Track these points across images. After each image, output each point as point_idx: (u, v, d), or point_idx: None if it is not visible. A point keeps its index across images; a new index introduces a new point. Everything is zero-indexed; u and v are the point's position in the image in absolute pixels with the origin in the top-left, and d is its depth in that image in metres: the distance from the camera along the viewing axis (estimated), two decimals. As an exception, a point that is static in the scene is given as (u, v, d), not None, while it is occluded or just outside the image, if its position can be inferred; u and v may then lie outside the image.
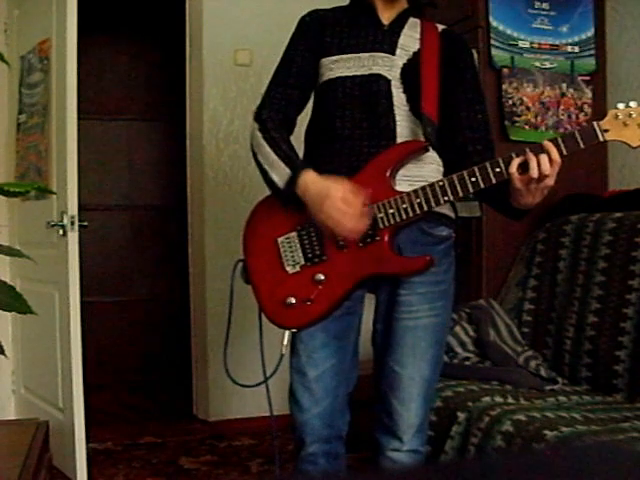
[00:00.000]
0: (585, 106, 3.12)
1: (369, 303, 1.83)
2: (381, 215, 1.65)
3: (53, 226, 2.77)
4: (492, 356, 2.67)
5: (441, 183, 1.62)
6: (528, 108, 3.05)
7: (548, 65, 3.10)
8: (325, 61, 1.76)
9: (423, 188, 1.63)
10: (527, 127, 3.04)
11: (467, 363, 2.68)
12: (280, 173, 1.67)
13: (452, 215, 1.79)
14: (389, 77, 1.73)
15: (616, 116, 1.53)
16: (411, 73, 1.73)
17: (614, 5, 3.19)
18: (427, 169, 1.74)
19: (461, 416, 2.26)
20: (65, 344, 2.76)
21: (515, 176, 1.55)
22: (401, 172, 1.71)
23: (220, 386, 3.53)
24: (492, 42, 3.04)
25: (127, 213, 5.00)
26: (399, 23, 1.78)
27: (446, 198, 1.62)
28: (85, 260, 3.01)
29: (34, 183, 2.77)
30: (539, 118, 3.06)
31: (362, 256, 1.67)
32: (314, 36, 1.79)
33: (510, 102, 3.03)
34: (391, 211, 1.65)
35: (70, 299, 2.72)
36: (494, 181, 1.58)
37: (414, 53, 1.75)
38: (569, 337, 2.64)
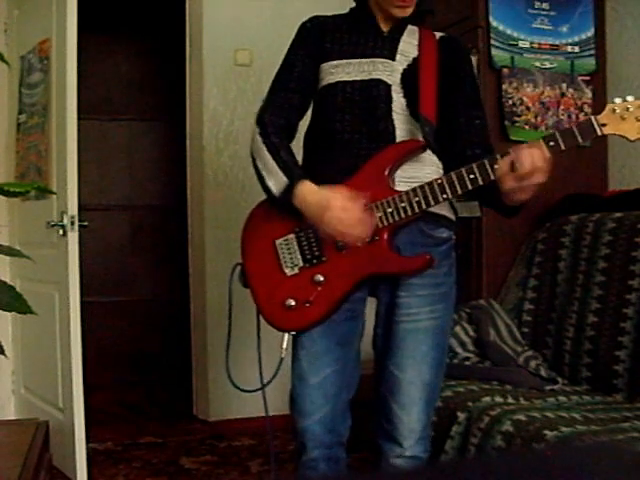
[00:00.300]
0: (585, 106, 3.12)
1: (371, 306, 1.82)
2: (380, 214, 1.65)
3: (53, 226, 2.77)
4: (492, 356, 2.67)
5: (439, 181, 1.62)
6: (528, 108, 3.05)
7: (548, 65, 3.10)
8: (325, 66, 1.77)
9: (422, 187, 1.63)
10: (527, 127, 3.04)
11: (467, 363, 2.68)
12: (277, 181, 1.67)
13: (452, 217, 1.79)
14: (389, 82, 1.73)
15: (613, 110, 1.53)
16: (411, 78, 1.74)
17: (614, 5, 3.19)
18: (426, 171, 1.73)
19: (461, 416, 2.26)
20: (65, 344, 2.76)
21: (505, 176, 1.53)
22: (399, 174, 1.70)
23: (220, 386, 3.53)
24: (492, 42, 3.04)
25: (127, 213, 5.00)
26: (398, 30, 1.79)
27: (445, 196, 1.62)
28: (85, 260, 3.01)
29: (34, 183, 2.77)
30: (539, 118, 3.06)
31: (361, 256, 1.67)
32: (314, 42, 1.79)
33: (510, 102, 3.03)
34: (390, 210, 1.65)
35: (70, 299, 2.71)
36: (492, 178, 1.58)
37: (413, 59, 1.76)
38: (569, 337, 2.64)
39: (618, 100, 1.54)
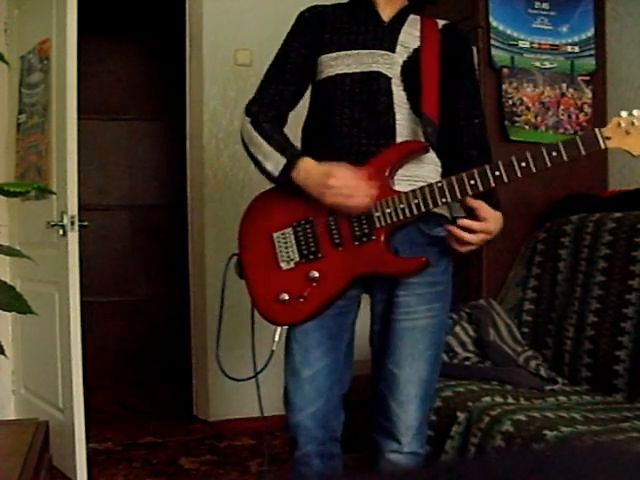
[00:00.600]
0: (585, 106, 3.12)
1: (366, 304, 1.82)
2: (378, 214, 1.65)
3: (53, 226, 2.77)
4: (492, 356, 2.67)
5: (440, 185, 1.61)
6: (528, 108, 3.05)
7: (548, 65, 3.10)
8: (324, 58, 1.76)
9: (422, 189, 1.62)
10: (527, 127, 3.04)
11: (467, 363, 2.68)
12: (275, 162, 1.67)
13: (449, 216, 1.79)
14: (389, 75, 1.72)
15: (619, 124, 1.52)
16: (411, 71, 1.72)
17: (614, 5, 3.19)
18: (426, 169, 1.73)
19: (461, 416, 2.26)
20: (65, 344, 2.76)
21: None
22: (399, 171, 1.70)
23: (220, 386, 3.53)
24: (492, 42, 3.04)
25: (127, 213, 5.00)
26: (399, 20, 1.78)
27: (444, 200, 1.61)
28: (85, 260, 3.01)
29: (34, 183, 2.77)
30: (539, 118, 3.06)
31: (357, 255, 1.67)
32: (312, 32, 1.78)
33: (510, 102, 3.03)
34: (388, 210, 1.64)
35: (70, 299, 2.71)
36: (493, 184, 1.58)
37: (414, 50, 1.74)
38: (569, 337, 2.64)
39: (624, 114, 1.52)
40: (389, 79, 1.72)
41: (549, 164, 1.55)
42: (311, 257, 1.70)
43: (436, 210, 1.70)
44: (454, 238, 1.61)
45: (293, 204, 1.71)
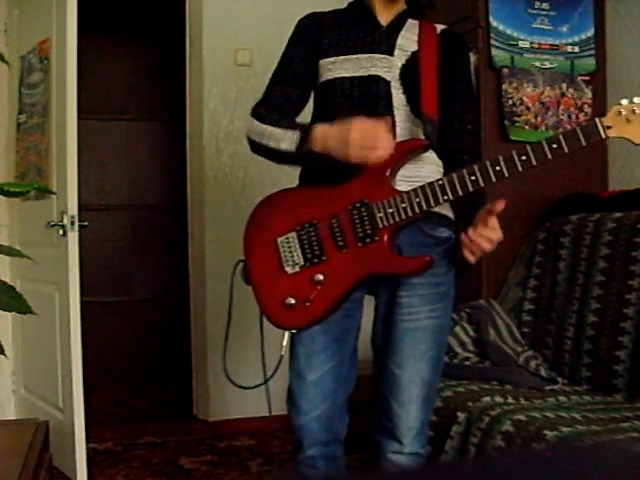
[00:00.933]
0: (585, 106, 3.12)
1: (369, 304, 1.82)
2: (380, 215, 1.65)
3: (53, 226, 2.77)
4: (492, 356, 2.67)
5: (441, 182, 1.61)
6: (528, 108, 3.05)
7: (548, 65, 3.10)
8: (323, 62, 1.77)
9: (422, 187, 1.63)
10: (527, 127, 3.04)
11: (467, 363, 2.68)
12: (289, 139, 1.68)
13: (452, 216, 1.79)
14: (388, 78, 1.73)
15: (619, 112, 1.51)
16: (410, 74, 1.73)
17: (614, 5, 3.19)
18: (427, 170, 1.73)
19: (461, 416, 2.26)
20: (65, 344, 2.76)
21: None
22: (400, 172, 1.70)
23: (220, 386, 3.53)
24: (492, 42, 3.04)
25: (127, 213, 5.00)
26: (397, 24, 1.78)
27: (446, 197, 1.61)
28: (85, 260, 3.01)
29: (34, 183, 2.77)
30: (539, 118, 3.06)
31: (362, 256, 1.67)
32: (312, 37, 1.79)
33: (510, 102, 3.03)
34: (390, 211, 1.64)
35: (70, 299, 2.71)
36: (494, 179, 1.58)
37: (412, 53, 1.75)
38: (569, 337, 2.64)
39: (624, 101, 1.51)
40: (388, 82, 1.72)
41: (550, 156, 1.53)
42: (315, 260, 1.70)
43: (439, 211, 1.70)
44: (470, 248, 1.60)
45: (296, 208, 1.71)
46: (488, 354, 2.69)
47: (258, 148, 1.77)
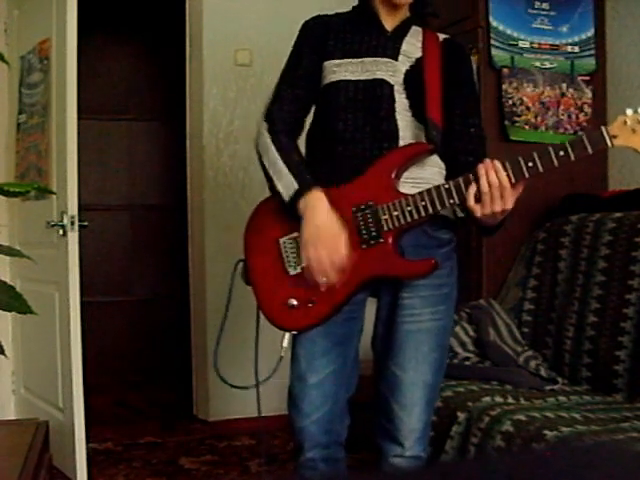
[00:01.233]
0: (585, 106, 3.12)
1: (370, 306, 1.82)
2: (385, 217, 1.64)
3: (53, 226, 2.77)
4: (492, 356, 2.67)
5: (447, 186, 1.61)
6: (528, 108, 3.05)
7: (548, 65, 3.10)
8: (328, 64, 1.76)
9: (428, 190, 1.62)
10: (527, 127, 3.04)
11: (467, 363, 2.68)
12: (287, 185, 1.66)
13: (453, 218, 1.78)
14: (392, 82, 1.73)
15: (625, 122, 1.52)
16: (414, 79, 1.73)
17: (614, 5, 3.19)
18: (430, 172, 1.73)
19: (461, 416, 2.26)
20: (65, 344, 2.76)
21: (472, 207, 1.57)
22: (404, 174, 1.70)
23: (220, 386, 3.50)
24: (492, 42, 3.04)
25: (127, 213, 5.00)
26: (402, 30, 1.79)
27: (452, 201, 1.61)
28: (85, 260, 3.01)
29: (34, 183, 2.77)
30: (539, 118, 3.06)
31: (366, 258, 1.66)
32: (318, 39, 1.79)
33: (510, 102, 3.03)
34: (395, 213, 1.64)
35: (70, 299, 2.71)
36: None
37: (416, 59, 1.76)
38: (569, 337, 2.64)
39: (629, 112, 1.52)
40: (392, 86, 1.72)
41: (556, 164, 1.54)
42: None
43: (441, 213, 1.70)
44: (478, 192, 1.56)
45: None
46: (488, 354, 2.69)
47: (260, 160, 1.75)
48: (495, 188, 1.54)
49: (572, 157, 1.53)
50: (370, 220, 1.65)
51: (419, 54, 1.76)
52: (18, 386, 3.36)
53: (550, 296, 2.79)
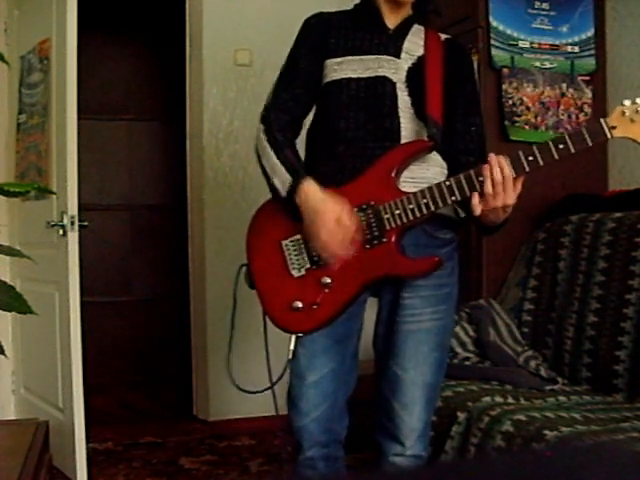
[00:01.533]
0: (585, 106, 3.12)
1: (370, 306, 1.82)
2: (387, 216, 1.64)
3: (53, 226, 2.77)
4: (492, 356, 2.67)
5: (448, 183, 1.61)
6: (528, 108, 3.05)
7: (548, 65, 3.10)
8: (329, 62, 1.76)
9: (430, 188, 1.62)
10: (527, 127, 3.04)
11: (467, 363, 2.68)
12: (281, 179, 1.67)
13: (455, 217, 1.78)
14: (394, 80, 1.72)
15: (623, 113, 1.51)
16: (416, 77, 1.73)
17: (614, 5, 3.19)
18: (431, 171, 1.73)
19: (461, 416, 2.26)
20: (65, 344, 2.76)
21: (474, 206, 1.56)
22: (405, 174, 1.70)
23: (220, 386, 3.53)
24: (492, 42, 3.04)
25: (127, 213, 5.00)
26: (404, 29, 1.79)
27: (453, 198, 1.60)
28: (85, 260, 3.01)
29: (34, 183, 2.77)
30: (539, 118, 3.06)
31: (369, 258, 1.66)
32: (319, 37, 1.78)
33: (510, 102, 3.03)
34: (397, 212, 1.63)
35: (70, 299, 2.71)
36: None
37: (418, 58, 1.75)
38: (569, 337, 2.64)
39: (627, 102, 1.51)
40: (394, 84, 1.72)
41: (556, 156, 1.53)
42: (322, 263, 1.68)
43: (442, 212, 1.70)
44: (481, 191, 1.56)
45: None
46: (488, 354, 2.69)
47: (258, 161, 1.76)
48: (498, 184, 1.54)
49: (572, 149, 1.53)
50: (372, 220, 1.65)
51: (421, 52, 1.76)
52: (18, 386, 3.36)
53: (550, 296, 2.79)
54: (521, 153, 1.55)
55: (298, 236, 1.71)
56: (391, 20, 1.78)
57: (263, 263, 1.75)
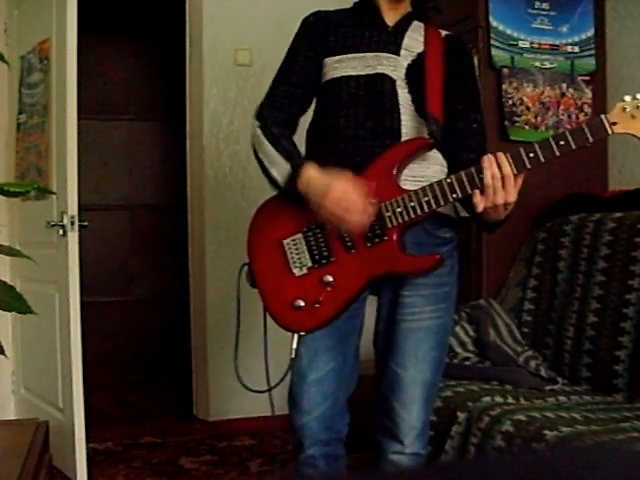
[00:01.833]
0: (585, 106, 3.12)
1: (370, 304, 1.82)
2: (389, 214, 1.64)
3: (53, 226, 2.77)
4: (492, 356, 2.67)
5: (449, 180, 1.60)
6: (528, 108, 3.05)
7: (548, 65, 3.10)
8: (329, 60, 1.76)
9: (431, 185, 1.62)
10: (527, 127, 3.04)
11: (467, 363, 2.68)
12: (280, 169, 1.66)
13: (455, 216, 1.78)
14: (394, 77, 1.72)
15: (623, 109, 1.50)
16: (416, 74, 1.73)
17: (614, 5, 3.19)
18: (432, 170, 1.73)
19: (461, 416, 2.26)
20: (65, 344, 2.76)
21: (476, 200, 1.56)
22: (406, 172, 1.69)
23: (220, 386, 3.53)
24: (492, 42, 3.04)
25: (127, 213, 5.01)
26: (403, 25, 1.78)
27: (455, 196, 1.60)
28: (85, 260, 3.01)
29: (34, 183, 2.77)
30: (539, 118, 3.06)
31: (371, 256, 1.66)
32: (318, 36, 1.78)
33: (510, 102, 3.03)
34: (399, 210, 1.63)
35: (70, 299, 2.71)
36: None
37: (418, 54, 1.75)
38: (569, 337, 2.64)
39: (628, 98, 1.50)
40: (394, 81, 1.72)
41: (557, 153, 1.53)
42: (324, 262, 1.68)
43: (442, 211, 1.70)
44: (481, 185, 1.56)
45: (301, 209, 1.68)
46: (488, 354, 2.69)
47: (256, 157, 1.76)
48: (498, 180, 1.54)
49: (573, 146, 1.52)
50: (374, 218, 1.65)
51: (421, 49, 1.76)
52: (18, 386, 3.36)
53: (550, 296, 2.79)
54: (522, 150, 1.55)
55: (300, 235, 1.70)
56: (390, 17, 1.78)
57: (264, 262, 1.75)
